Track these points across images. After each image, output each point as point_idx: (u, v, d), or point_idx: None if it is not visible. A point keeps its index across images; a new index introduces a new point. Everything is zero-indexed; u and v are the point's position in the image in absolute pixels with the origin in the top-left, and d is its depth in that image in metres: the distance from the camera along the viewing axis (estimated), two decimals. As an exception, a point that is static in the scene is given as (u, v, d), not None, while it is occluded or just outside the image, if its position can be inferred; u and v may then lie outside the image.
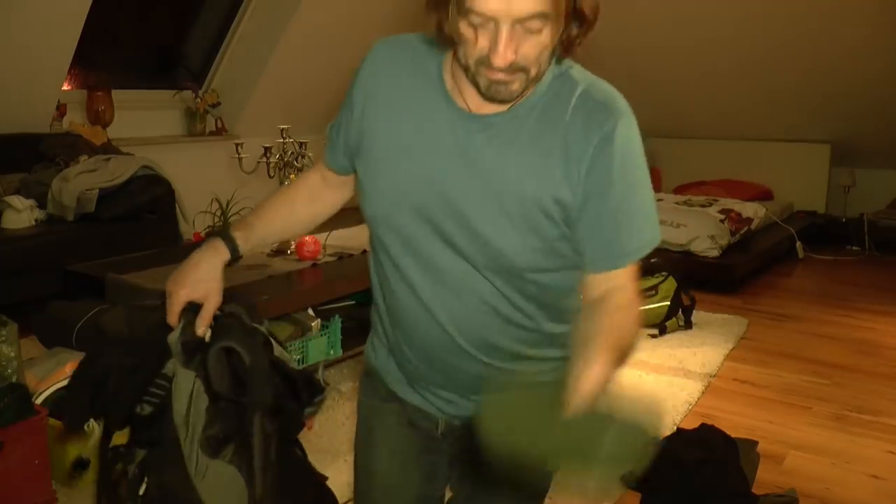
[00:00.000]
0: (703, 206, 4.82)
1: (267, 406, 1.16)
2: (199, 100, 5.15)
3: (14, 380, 1.92)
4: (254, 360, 1.17)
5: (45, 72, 4.06)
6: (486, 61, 0.95)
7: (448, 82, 1.08)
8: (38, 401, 2.05)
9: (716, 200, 4.96)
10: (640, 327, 1.09)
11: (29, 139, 4.03)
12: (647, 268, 3.78)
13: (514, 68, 0.94)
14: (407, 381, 1.22)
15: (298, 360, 2.82)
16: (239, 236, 1.21)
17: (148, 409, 1.19)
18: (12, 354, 1.93)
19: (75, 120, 4.45)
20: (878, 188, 5.62)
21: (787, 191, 5.72)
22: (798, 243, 5.21)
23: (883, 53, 4.71)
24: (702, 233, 4.41)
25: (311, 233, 2.73)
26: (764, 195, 5.60)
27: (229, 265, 1.20)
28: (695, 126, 5.92)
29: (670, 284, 3.65)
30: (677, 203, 4.93)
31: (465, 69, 0.99)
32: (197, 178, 4.72)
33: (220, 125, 5.31)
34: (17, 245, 3.49)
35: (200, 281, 1.16)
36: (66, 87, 4.48)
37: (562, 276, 1.11)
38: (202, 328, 1.17)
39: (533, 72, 0.97)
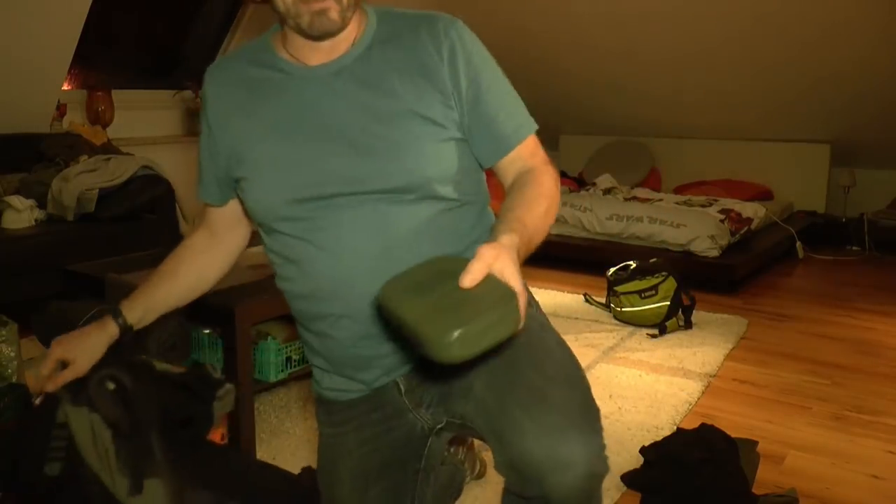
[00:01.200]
0: (703, 206, 4.81)
1: (155, 423, 1.18)
2: (199, 100, 5.15)
3: (14, 380, 1.92)
4: (133, 384, 1.21)
5: (45, 72, 4.06)
6: None
7: (286, 56, 1.13)
8: (38, 401, 2.05)
9: (716, 200, 4.95)
10: (557, 188, 1.16)
11: (29, 139, 4.03)
12: (647, 268, 3.78)
13: None
14: (356, 375, 1.22)
15: (298, 360, 2.82)
16: (125, 306, 1.27)
17: (57, 466, 1.20)
18: (12, 354, 1.93)
19: (75, 120, 4.45)
20: (878, 188, 5.61)
21: (787, 191, 5.72)
22: (798, 243, 5.21)
23: (884, 53, 4.71)
24: (702, 233, 4.41)
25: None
26: (764, 195, 5.59)
27: (123, 336, 1.26)
28: (695, 126, 5.92)
29: (670, 284, 3.65)
30: (677, 203, 4.93)
31: (286, 17, 1.05)
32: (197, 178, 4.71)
33: (220, 125, 5.30)
34: (17, 245, 3.49)
35: (76, 348, 1.23)
36: (66, 87, 4.48)
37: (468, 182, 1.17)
38: (50, 386, 1.23)
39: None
